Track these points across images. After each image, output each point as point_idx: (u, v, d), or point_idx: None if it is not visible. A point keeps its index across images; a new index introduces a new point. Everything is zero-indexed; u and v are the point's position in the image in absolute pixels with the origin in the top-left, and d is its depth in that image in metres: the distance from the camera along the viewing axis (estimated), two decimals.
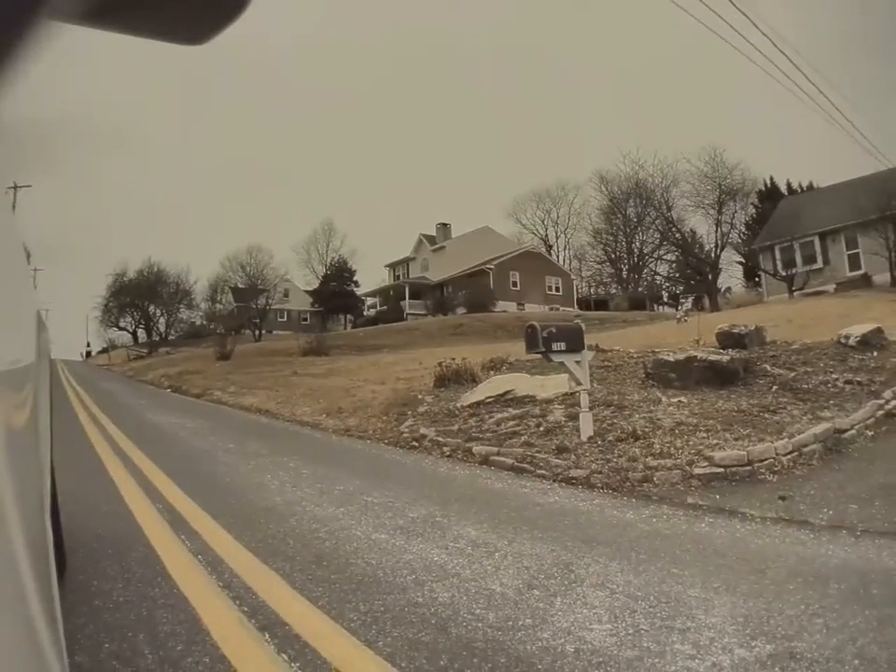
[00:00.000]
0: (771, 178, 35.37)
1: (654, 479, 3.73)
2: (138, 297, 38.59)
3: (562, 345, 4.31)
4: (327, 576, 1.99)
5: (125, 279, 39.56)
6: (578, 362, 4.45)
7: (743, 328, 7.68)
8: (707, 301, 22.99)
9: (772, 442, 4.15)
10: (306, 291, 41.07)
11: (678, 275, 27.32)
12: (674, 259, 30.10)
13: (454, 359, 7.23)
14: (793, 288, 21.03)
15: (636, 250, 37.05)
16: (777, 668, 1.39)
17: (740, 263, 30.73)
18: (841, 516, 3.10)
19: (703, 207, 23.91)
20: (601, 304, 31.27)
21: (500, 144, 68.05)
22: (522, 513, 2.83)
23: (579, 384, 4.46)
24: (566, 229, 41.16)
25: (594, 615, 1.65)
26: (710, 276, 23.77)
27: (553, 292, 31.87)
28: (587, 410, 4.46)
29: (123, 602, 1.85)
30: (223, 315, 28.93)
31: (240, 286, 34.04)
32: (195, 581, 1.99)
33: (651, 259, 36.05)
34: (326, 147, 75.46)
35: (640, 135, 61.17)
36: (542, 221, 42.15)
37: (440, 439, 5.05)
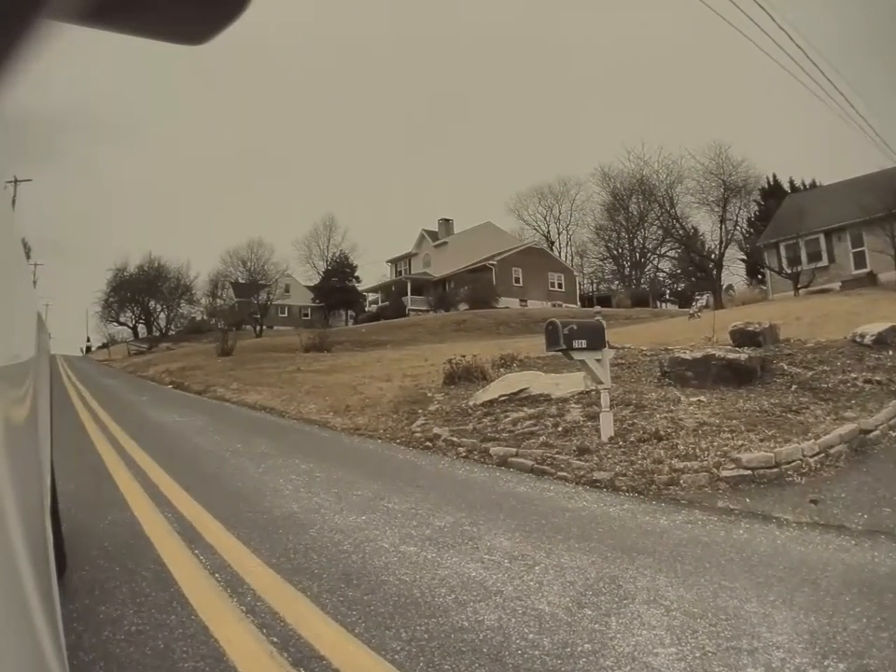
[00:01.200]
0: (774, 176, 35.25)
1: (681, 482, 3.61)
2: (138, 292, 38.39)
3: (583, 343, 4.19)
4: (359, 597, 1.82)
5: (125, 274, 39.38)
6: (598, 360, 4.32)
7: (757, 325, 7.56)
8: (710, 299, 22.89)
9: (798, 444, 4.04)
10: (307, 287, 40.90)
11: (680, 272, 27.17)
12: (676, 255, 29.96)
13: (463, 356, 7.11)
14: (798, 286, 20.91)
15: (638, 247, 36.90)
16: None
17: (743, 261, 30.61)
18: (877, 520, 3.00)
19: (707, 204, 23.76)
20: (603, 301, 31.17)
21: (503, 138, 67.74)
22: (551, 520, 2.71)
23: (599, 382, 4.34)
24: (567, 225, 41.02)
25: (655, 637, 1.53)
26: (714, 273, 23.64)
27: (556, 289, 31.73)
28: (608, 409, 4.34)
29: (135, 632, 1.68)
30: (224, 311, 28.75)
31: (241, 281, 33.86)
32: (215, 607, 1.82)
33: (653, 256, 35.93)
34: (328, 141, 75.09)
35: (645, 131, 60.95)
36: (544, 217, 42.01)
37: (454, 439, 4.93)
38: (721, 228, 23.43)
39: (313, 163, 74.19)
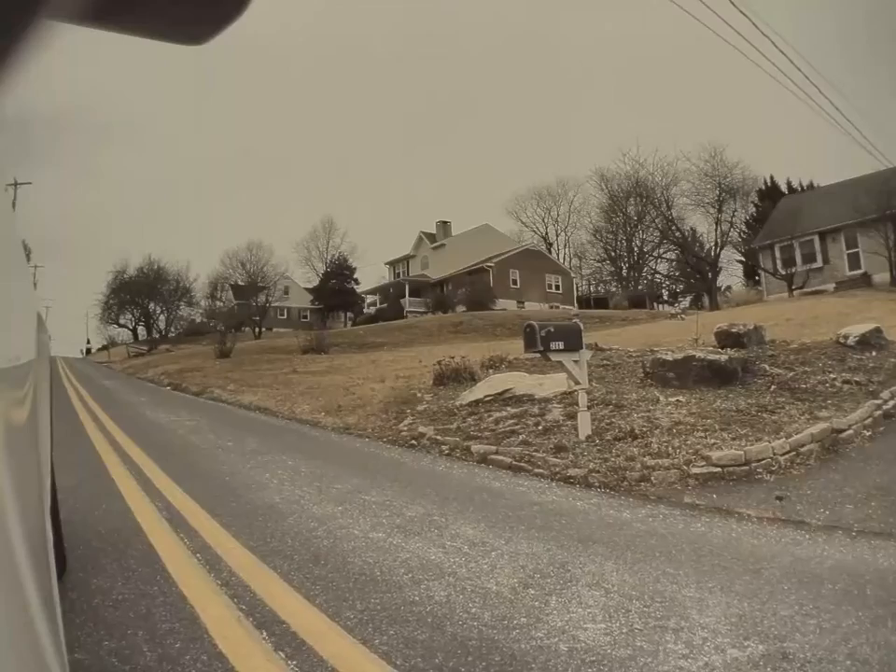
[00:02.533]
0: (771, 177, 35.34)
1: (652, 478, 3.74)
2: (138, 294, 38.57)
3: (560, 345, 4.32)
4: (324, 575, 2.00)
5: (125, 276, 39.58)
6: (576, 361, 4.46)
7: (742, 327, 7.69)
8: (706, 300, 23.01)
9: (769, 442, 4.16)
10: (306, 289, 41.08)
11: (678, 274, 27.32)
12: (674, 257, 30.12)
13: (452, 358, 7.25)
14: (793, 287, 21.05)
15: (636, 248, 37.02)
16: (769, 669, 1.40)
17: (740, 262, 30.73)
18: (837, 517, 3.12)
19: (703, 206, 23.92)
20: (601, 302, 31.27)
21: (502, 140, 67.93)
22: (518, 513, 2.85)
23: (577, 383, 4.47)
24: (566, 227, 41.15)
25: (588, 614, 1.66)
26: (710, 275, 23.78)
27: (554, 290, 31.88)
28: (585, 409, 4.47)
29: (122, 600, 1.87)
30: (223, 313, 28.92)
31: (240, 283, 34.05)
32: (194, 580, 2.00)
33: (651, 258, 36.05)
34: (327, 142, 75.32)
35: (641, 133, 61.12)
36: (542, 219, 42.13)
37: (438, 437, 5.06)
38: (716, 230, 23.59)
39: (312, 165, 74.48)
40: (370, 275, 41.19)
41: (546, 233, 41.60)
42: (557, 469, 3.95)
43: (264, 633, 1.60)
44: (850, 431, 4.77)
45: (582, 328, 4.55)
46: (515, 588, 1.80)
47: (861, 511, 3.21)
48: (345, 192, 70.85)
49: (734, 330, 7.54)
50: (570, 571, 1.98)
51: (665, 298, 33.59)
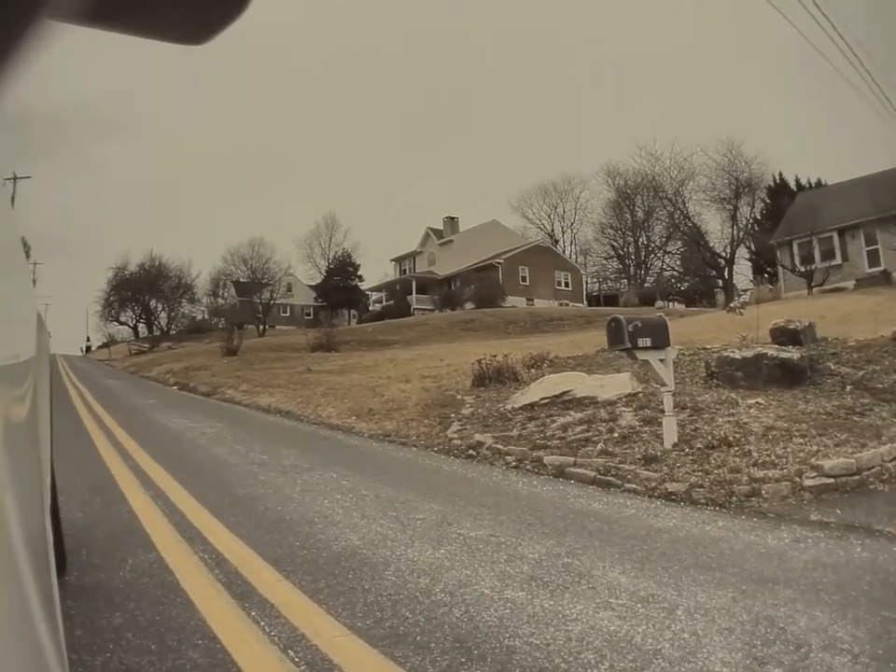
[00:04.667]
0: (780, 174, 35.02)
1: (763, 492, 3.31)
2: (139, 291, 37.92)
3: (647, 341, 3.89)
4: None
5: (126, 273, 38.91)
6: (662, 360, 4.02)
7: (798, 323, 7.27)
8: (721, 297, 22.59)
9: (876, 448, 3.74)
10: (309, 286, 40.48)
11: (691, 269, 26.85)
12: (681, 253, 29.70)
13: (494, 356, 6.79)
14: (812, 285, 20.65)
15: (643, 245, 36.59)
16: None
17: (748, 259, 30.38)
18: None
19: (718, 202, 23.48)
20: (611, 300, 30.84)
21: (508, 136, 67.31)
22: (652, 545, 2.39)
23: (663, 384, 4.04)
24: (572, 223, 40.65)
25: None
26: (727, 271, 23.37)
27: (563, 287, 31.39)
28: (671, 414, 4.04)
29: None
30: (226, 310, 28.35)
31: (242, 280, 33.46)
32: None
33: (658, 255, 35.62)
34: (331, 138, 74.62)
35: (656, 128, 60.47)
36: (548, 216, 41.63)
37: (500, 447, 4.61)
38: (732, 225, 23.17)
39: (315, 161, 73.78)
40: (374, 272, 40.67)
41: (552, 230, 41.15)
42: (653, 484, 3.51)
43: None
44: None
45: (668, 322, 4.11)
46: (752, 668, 1.36)
47: None
48: (349, 189, 70.23)
49: (791, 327, 7.12)
50: (790, 631, 1.55)
51: (674, 295, 33.18)
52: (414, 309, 29.90)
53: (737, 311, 7.23)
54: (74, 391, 12.31)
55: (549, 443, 4.41)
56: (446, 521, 2.82)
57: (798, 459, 3.62)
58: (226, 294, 33.34)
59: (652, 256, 36.14)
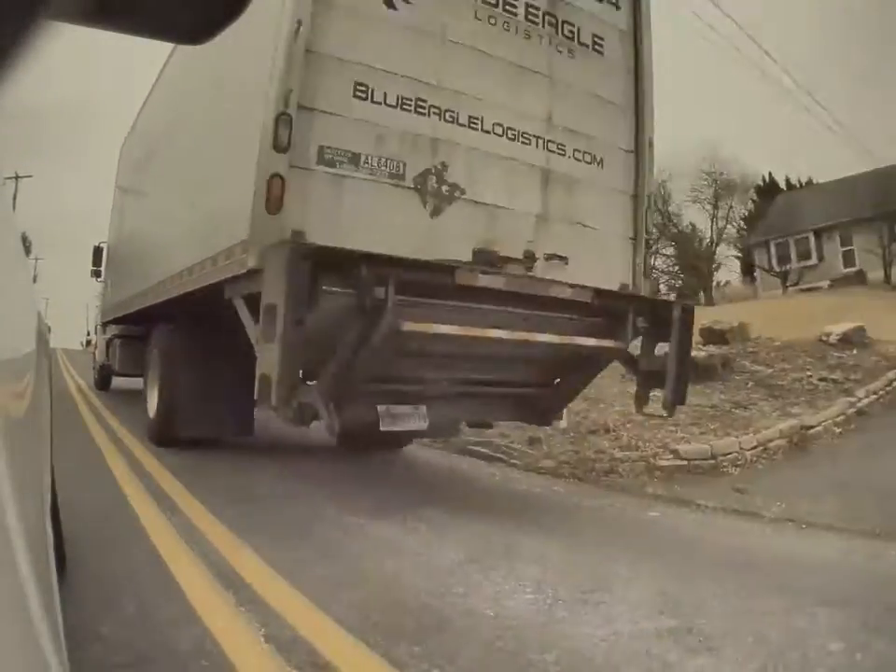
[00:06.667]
0: (770, 174, 35.28)
1: (619, 469, 3.88)
2: None
3: None
4: None
5: None
6: None
7: (726, 324, 7.82)
8: (702, 296, 23.12)
9: (737, 437, 4.30)
10: None
11: (676, 269, 27.37)
12: (671, 253, 30.11)
13: None
14: (787, 284, 21.13)
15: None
16: (672, 639, 1.53)
17: (737, 258, 30.75)
18: (791, 510, 3.24)
19: (699, 202, 23.94)
20: None
21: None
22: (491, 498, 3.00)
23: None
24: None
25: (519, 586, 1.81)
26: (706, 271, 23.88)
27: None
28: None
29: None
30: None
31: None
32: None
33: (651, 254, 36.00)
34: None
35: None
36: None
37: None
38: (712, 226, 23.65)
39: None
40: None
41: None
42: (530, 461, 4.10)
43: None
44: (820, 428, 4.90)
45: None
46: (459, 561, 1.94)
47: (815, 506, 3.32)
48: None
49: (717, 328, 7.67)
50: (515, 550, 2.13)
51: (664, 294, 33.58)
52: None
53: None
54: (78, 395, 12.40)
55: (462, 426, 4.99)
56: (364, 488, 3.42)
57: (660, 444, 4.19)
58: None
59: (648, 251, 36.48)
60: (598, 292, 2.93)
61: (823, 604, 1.81)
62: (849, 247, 21.38)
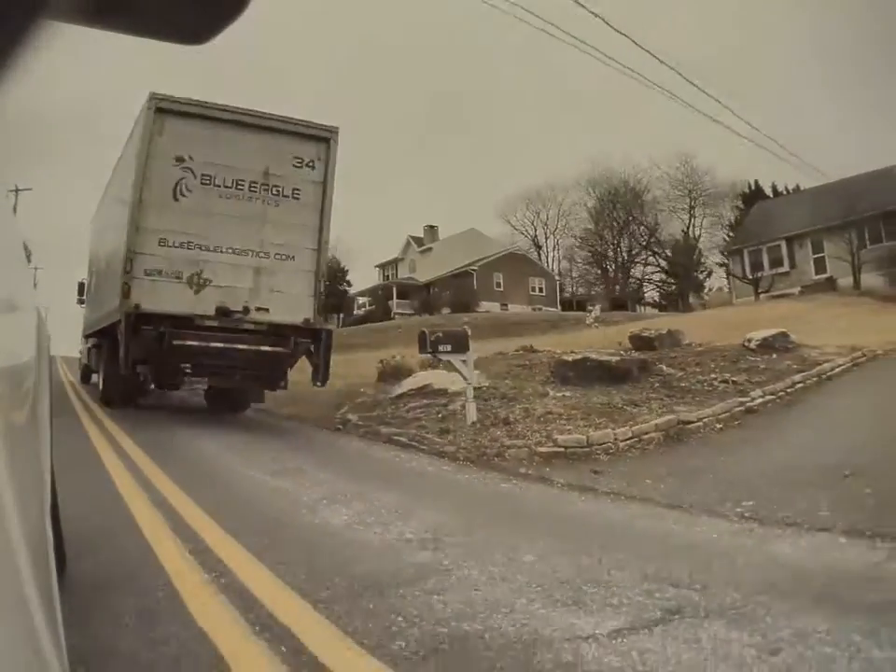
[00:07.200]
0: (756, 181, 36.10)
1: (507, 455, 4.70)
2: None
3: (448, 347, 5.28)
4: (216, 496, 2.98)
5: None
6: (464, 361, 5.42)
7: (654, 332, 8.62)
8: (681, 303, 23.93)
9: (613, 430, 5.10)
10: None
11: (654, 278, 28.31)
12: (656, 262, 31.06)
13: (394, 357, 8.21)
14: (759, 291, 21.87)
15: (622, 252, 37.87)
16: (429, 548, 2.37)
17: (720, 265, 31.54)
18: (630, 488, 3.94)
19: (675, 212, 24.91)
20: (583, 305, 32.18)
21: (494, 145, 68.76)
22: (390, 471, 3.90)
23: (465, 379, 5.44)
24: (554, 230, 42.01)
25: (345, 512, 2.67)
26: (682, 279, 24.72)
27: (537, 293, 32.83)
28: (472, 400, 5.43)
29: None
30: None
31: None
32: None
33: (637, 262, 36.90)
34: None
35: (617, 142, 61.55)
36: (532, 222, 42.95)
37: (360, 423, 6.05)
38: (686, 235, 24.52)
39: None
40: (368, 278, 42.10)
41: (535, 236, 42.50)
42: (437, 448, 4.92)
43: None
44: (699, 423, 5.64)
45: (469, 333, 5.51)
46: (317, 499, 2.81)
47: (654, 485, 4.03)
48: (347, 193, 71.86)
49: (645, 335, 8.48)
50: (367, 498, 2.97)
51: (648, 301, 34.51)
52: (395, 314, 31.43)
53: (593, 326, 8.55)
54: (78, 403, 13.62)
55: (392, 420, 5.83)
56: (284, 459, 4.36)
57: (545, 435, 4.99)
58: None
59: (634, 261, 37.44)
60: (272, 324, 5.94)
61: (550, 536, 2.63)
62: (821, 254, 22.15)
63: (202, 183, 5.81)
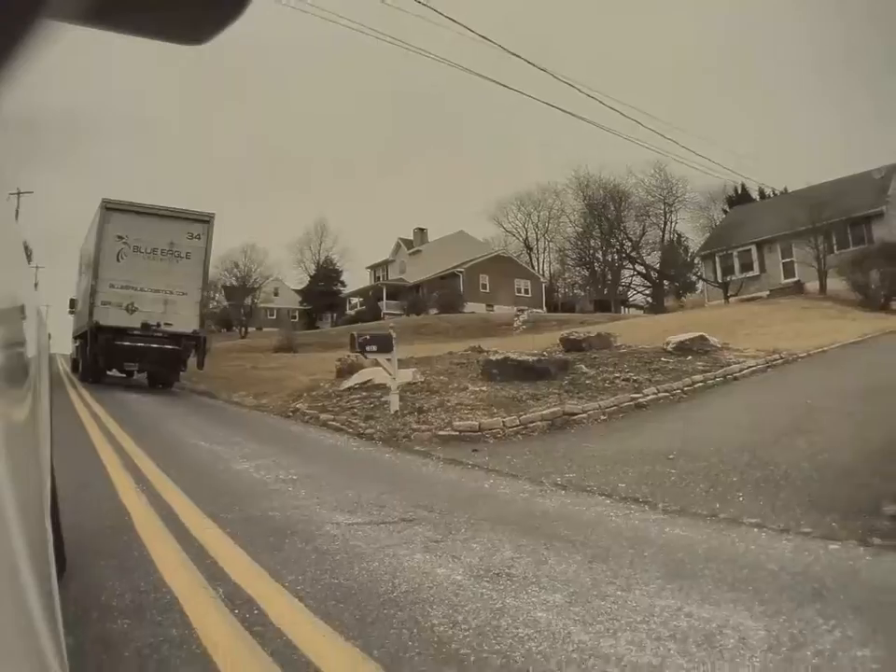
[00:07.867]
0: (742, 185, 36.90)
1: (412, 437, 5.86)
2: None
3: (374, 347, 6.45)
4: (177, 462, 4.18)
5: None
6: (389, 360, 6.59)
7: (582, 334, 9.72)
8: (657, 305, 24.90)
9: (502, 418, 6.23)
10: (295, 290, 43.57)
11: (633, 281, 29.27)
12: (630, 268, 31.92)
13: (348, 356, 9.40)
14: (728, 294, 22.83)
15: (612, 254, 38.83)
16: (289, 483, 3.54)
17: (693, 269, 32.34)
18: (494, 463, 4.92)
19: (649, 216, 25.91)
20: (568, 307, 33.20)
21: (486, 148, 69.51)
22: (314, 449, 5.11)
23: (390, 374, 6.60)
24: (545, 232, 42.98)
25: (268, 474, 3.88)
26: (658, 282, 25.73)
27: (523, 294, 33.92)
28: (395, 392, 6.60)
29: None
30: (215, 314, 31.46)
31: (234, 284, 36.51)
32: None
33: (625, 266, 37.86)
34: (324, 145, 77.38)
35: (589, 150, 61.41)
36: (523, 224, 43.90)
37: (307, 411, 7.25)
38: (661, 240, 25.51)
39: (313, 163, 76.70)
40: (363, 278, 43.33)
41: (527, 238, 43.49)
42: (360, 431, 6.10)
43: None
44: (584, 415, 6.71)
45: (395, 336, 6.68)
46: (255, 466, 4.00)
47: (516, 461, 5.02)
48: (341, 196, 73.14)
49: (573, 337, 9.59)
50: (283, 464, 4.15)
51: (631, 302, 35.52)
52: (385, 314, 32.62)
53: (518, 328, 9.64)
54: (78, 401, 15.10)
55: (332, 409, 7.01)
56: (229, 436, 5.54)
57: (448, 422, 6.14)
58: (216, 297, 36.47)
59: (623, 263, 38.38)
60: (173, 333, 10.56)
61: (378, 482, 3.79)
62: (789, 259, 23.10)
63: (133, 251, 10.40)
